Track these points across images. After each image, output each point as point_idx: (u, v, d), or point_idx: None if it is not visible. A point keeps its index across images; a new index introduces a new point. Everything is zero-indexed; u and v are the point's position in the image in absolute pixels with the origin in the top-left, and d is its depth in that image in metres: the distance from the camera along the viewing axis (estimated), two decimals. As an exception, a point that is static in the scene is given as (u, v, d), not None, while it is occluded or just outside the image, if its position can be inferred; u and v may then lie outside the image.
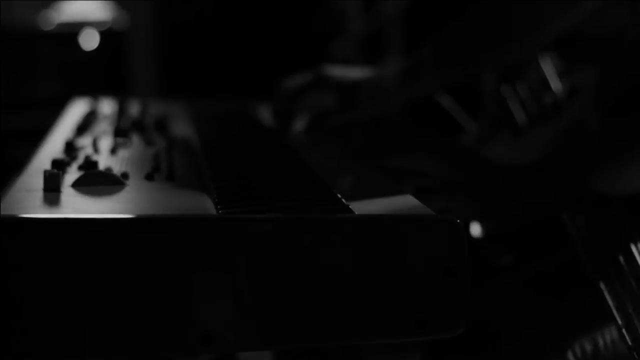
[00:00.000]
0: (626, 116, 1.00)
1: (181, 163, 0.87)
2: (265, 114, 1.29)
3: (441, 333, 0.66)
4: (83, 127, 1.06)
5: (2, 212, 0.63)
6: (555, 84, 1.19)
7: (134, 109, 1.24)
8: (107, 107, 1.27)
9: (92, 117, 1.16)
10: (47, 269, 0.62)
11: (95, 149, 0.92)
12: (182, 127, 1.13)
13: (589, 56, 1.20)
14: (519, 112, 1.21)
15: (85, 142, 0.95)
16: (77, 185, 0.75)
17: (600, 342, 0.89)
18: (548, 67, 1.22)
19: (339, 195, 0.73)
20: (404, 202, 0.73)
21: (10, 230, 0.61)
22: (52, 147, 0.94)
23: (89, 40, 2.19)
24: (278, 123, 1.16)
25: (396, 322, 0.65)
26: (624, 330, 0.77)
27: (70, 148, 0.91)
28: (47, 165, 0.83)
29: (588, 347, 0.89)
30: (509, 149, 1.20)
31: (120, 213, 0.66)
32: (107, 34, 2.23)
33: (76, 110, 1.25)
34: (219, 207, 0.69)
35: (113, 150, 0.92)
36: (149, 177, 0.79)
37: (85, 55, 2.24)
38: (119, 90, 2.17)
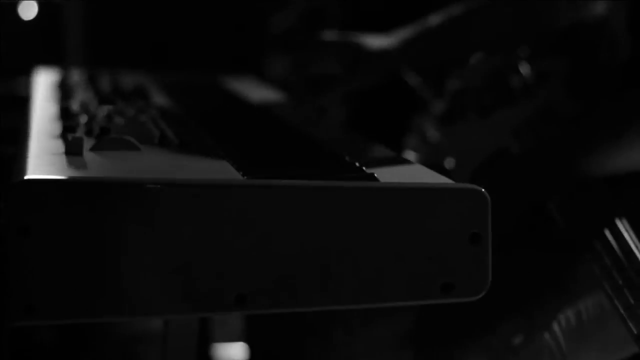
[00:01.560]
0: (599, 101, 1.04)
1: (182, 131, 0.88)
2: (236, 86, 1.30)
3: (465, 296, 0.68)
4: (65, 95, 1.06)
5: (36, 175, 0.63)
6: (523, 68, 1.23)
7: (103, 79, 1.24)
8: (75, 77, 1.26)
9: (65, 86, 1.15)
10: (88, 229, 0.63)
11: (90, 115, 0.92)
12: (161, 98, 1.13)
13: (557, 44, 1.24)
14: (485, 92, 1.25)
15: (75, 109, 0.95)
16: (95, 149, 0.75)
17: (585, 315, 0.93)
18: (518, 51, 1.26)
19: (358, 165, 0.75)
20: (421, 172, 0.75)
21: (53, 191, 0.62)
22: (45, 113, 0.94)
23: (28, 11, 2.18)
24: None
25: (424, 286, 0.68)
26: (627, 320, 0.80)
27: (67, 114, 0.91)
28: (51, 131, 0.83)
29: (573, 318, 0.93)
30: (476, 129, 1.24)
31: (149, 176, 0.66)
32: (45, 4, 2.22)
33: (44, 80, 1.24)
34: (242, 173, 0.70)
35: (109, 117, 0.92)
36: (162, 143, 0.80)
37: (24, 25, 2.22)
38: (58, 61, 2.15)
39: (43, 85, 1.18)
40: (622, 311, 0.81)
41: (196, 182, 0.65)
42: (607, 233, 0.87)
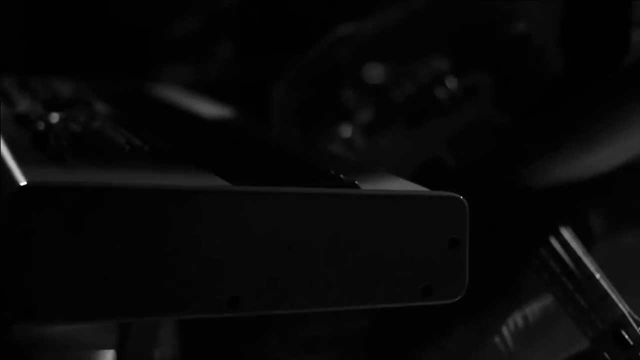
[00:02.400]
0: (530, 115, 1.10)
1: (142, 138, 0.89)
2: (169, 95, 1.31)
3: (444, 299, 0.72)
4: (7, 102, 1.05)
5: (36, 181, 0.64)
6: (450, 82, 1.28)
7: (36, 86, 1.23)
8: (5, 83, 1.25)
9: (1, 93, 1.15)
10: (87, 233, 0.64)
11: (47, 122, 0.92)
12: (101, 105, 1.13)
13: (482, 58, 1.30)
14: (412, 104, 1.29)
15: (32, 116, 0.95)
16: (75, 156, 0.76)
17: (531, 319, 0.99)
18: (441, 66, 1.31)
19: (334, 173, 0.78)
20: (400, 181, 0.79)
21: (55, 196, 0.63)
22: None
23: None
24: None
25: (405, 289, 0.72)
26: (582, 324, 0.85)
27: (25, 121, 0.91)
28: (19, 138, 0.83)
29: (520, 322, 0.99)
30: (403, 139, 1.28)
31: (144, 182, 0.68)
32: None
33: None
34: (226, 180, 0.73)
35: (65, 123, 0.92)
36: (133, 149, 0.81)
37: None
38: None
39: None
40: (575, 315, 0.87)
41: (192, 189, 0.67)
42: (554, 241, 0.93)
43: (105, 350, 1.11)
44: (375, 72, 1.42)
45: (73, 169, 0.71)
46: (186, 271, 0.67)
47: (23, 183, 0.63)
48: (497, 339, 1.00)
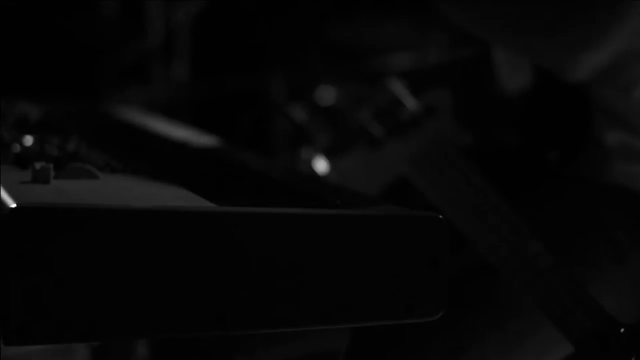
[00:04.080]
0: (491, 131, 1.13)
1: (119, 159, 0.90)
2: (127, 115, 1.32)
3: (425, 317, 0.74)
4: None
5: (26, 202, 0.65)
6: (409, 102, 1.31)
7: (1, 107, 1.23)
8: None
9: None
10: (79, 253, 0.65)
11: (23, 145, 0.93)
12: (69, 127, 1.14)
13: (438, 78, 1.33)
14: (374, 125, 1.31)
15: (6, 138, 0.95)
16: (59, 177, 0.77)
17: (506, 330, 1.01)
18: (398, 88, 1.34)
19: (315, 193, 0.80)
20: (381, 202, 0.81)
21: (46, 217, 0.64)
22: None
23: None
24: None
25: (388, 307, 0.73)
26: (563, 321, 0.88)
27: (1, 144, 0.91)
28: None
29: (495, 335, 1.01)
30: (367, 160, 1.30)
31: (127, 204, 0.69)
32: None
33: None
34: (212, 201, 0.74)
35: (40, 146, 0.93)
36: (114, 170, 0.82)
37: None
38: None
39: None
40: (558, 316, 0.89)
41: (181, 209, 0.68)
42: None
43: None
44: (326, 94, 1.44)
45: (60, 191, 0.71)
46: (175, 290, 0.68)
47: (13, 205, 0.64)
48: (473, 353, 1.02)
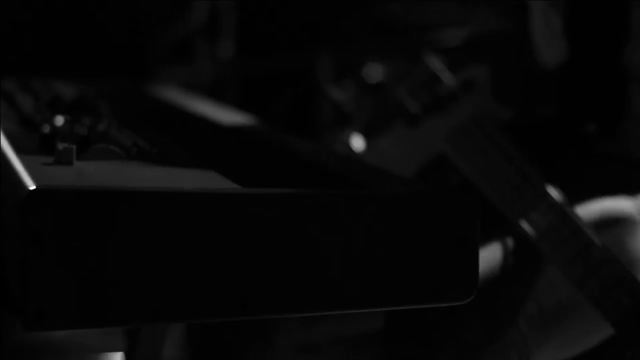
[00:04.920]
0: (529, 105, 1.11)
1: (149, 140, 0.89)
2: (166, 95, 1.31)
3: (454, 300, 0.72)
4: (10, 104, 1.05)
5: (45, 184, 0.64)
6: (447, 79, 1.28)
7: (38, 87, 1.23)
8: (7, 85, 1.25)
9: (4, 95, 1.14)
10: (97, 236, 0.63)
11: (53, 125, 0.92)
12: (106, 106, 1.13)
13: (476, 54, 1.30)
14: (411, 102, 1.29)
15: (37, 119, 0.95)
16: (83, 159, 0.76)
17: (546, 309, 0.99)
18: (435, 64, 1.31)
19: (343, 174, 0.78)
20: (409, 180, 0.79)
21: (64, 200, 0.62)
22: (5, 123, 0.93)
23: None
24: None
25: (417, 291, 0.71)
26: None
27: (31, 124, 0.91)
28: (25, 141, 0.83)
29: (535, 313, 0.99)
30: (405, 138, 1.28)
31: (153, 186, 0.67)
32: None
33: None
34: (236, 183, 0.72)
35: (70, 126, 0.92)
36: (141, 152, 0.81)
37: None
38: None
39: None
40: (592, 301, 0.87)
41: (205, 191, 0.66)
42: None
43: (112, 354, 1.11)
44: (374, 72, 1.42)
45: (81, 173, 0.70)
46: (197, 274, 0.66)
47: (32, 187, 0.63)
48: (513, 330, 1.00)
